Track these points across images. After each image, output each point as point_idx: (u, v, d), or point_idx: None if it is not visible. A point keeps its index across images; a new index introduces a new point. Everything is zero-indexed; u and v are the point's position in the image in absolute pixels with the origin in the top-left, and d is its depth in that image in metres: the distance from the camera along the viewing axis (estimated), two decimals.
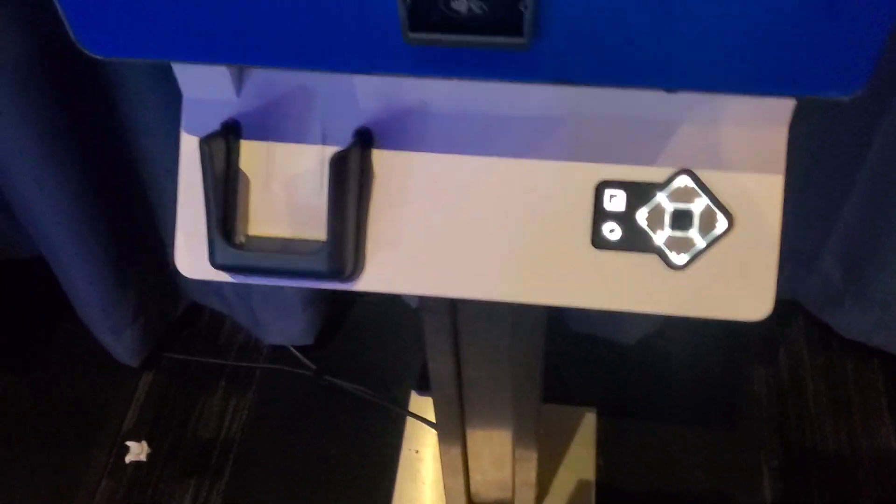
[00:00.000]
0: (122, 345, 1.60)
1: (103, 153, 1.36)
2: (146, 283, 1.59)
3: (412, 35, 0.57)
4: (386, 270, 0.75)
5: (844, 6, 0.52)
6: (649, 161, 0.72)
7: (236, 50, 0.61)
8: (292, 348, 1.65)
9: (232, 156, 0.75)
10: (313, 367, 1.65)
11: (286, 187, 0.76)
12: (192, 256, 0.76)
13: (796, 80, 0.57)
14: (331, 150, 0.75)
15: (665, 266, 0.73)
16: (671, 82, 0.59)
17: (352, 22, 0.58)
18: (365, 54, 0.60)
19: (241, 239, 0.74)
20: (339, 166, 0.69)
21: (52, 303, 1.68)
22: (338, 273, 0.72)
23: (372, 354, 1.68)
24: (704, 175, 0.72)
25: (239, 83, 0.75)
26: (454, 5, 0.54)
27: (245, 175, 0.76)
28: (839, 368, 1.63)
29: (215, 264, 0.72)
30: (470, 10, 0.54)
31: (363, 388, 1.61)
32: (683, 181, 0.72)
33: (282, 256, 0.72)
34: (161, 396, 1.66)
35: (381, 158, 0.75)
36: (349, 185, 0.71)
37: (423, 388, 1.56)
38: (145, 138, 1.34)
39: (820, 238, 1.53)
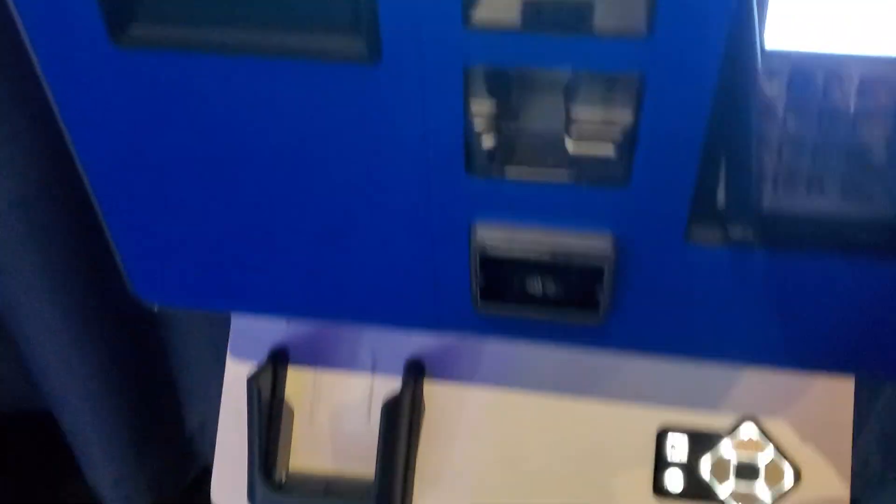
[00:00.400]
0: None
1: (127, 323, 1.34)
2: (163, 449, 1.54)
3: (482, 305, 0.55)
4: None
5: None
6: (713, 407, 0.69)
7: (300, 307, 0.60)
8: None
9: (278, 385, 0.72)
10: None
11: (332, 418, 0.73)
12: (230, 489, 0.73)
13: (863, 365, 0.55)
14: (380, 381, 0.73)
15: None
16: (741, 359, 0.57)
17: (420, 289, 0.56)
18: (431, 317, 0.58)
19: (282, 476, 0.71)
20: (391, 411, 0.67)
21: (59, 460, 1.62)
22: None
23: None
24: (770, 424, 0.69)
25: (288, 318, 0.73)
26: (529, 286, 0.53)
27: (289, 405, 0.73)
28: None
29: None
30: (544, 291, 0.53)
31: None
32: (749, 430, 0.69)
33: (326, 501, 0.68)
34: None
35: (433, 391, 0.72)
36: (400, 428, 0.68)
37: None
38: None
39: (858, 420, 1.49)
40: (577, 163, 0.48)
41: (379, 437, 0.67)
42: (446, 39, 0.43)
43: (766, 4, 0.43)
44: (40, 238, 1.11)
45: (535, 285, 0.53)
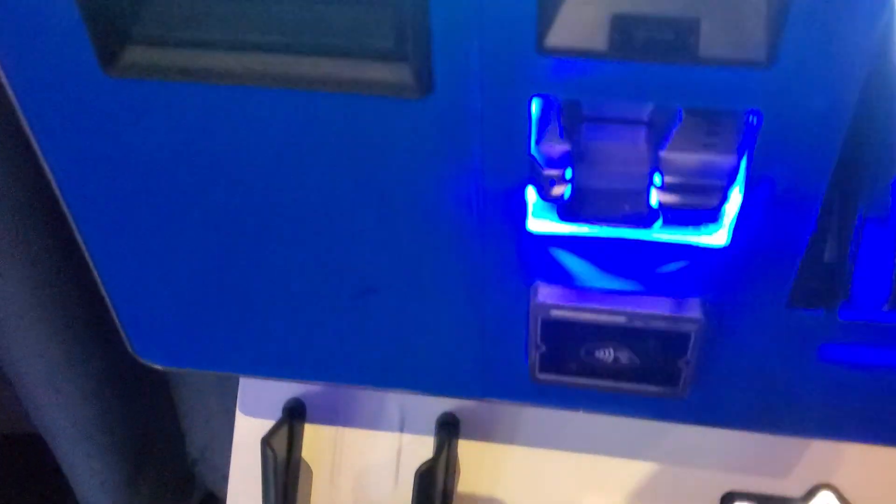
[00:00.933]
0: None
1: (122, 348, 1.26)
2: (161, 480, 1.46)
3: (541, 375, 0.47)
4: None
5: None
6: (784, 472, 0.62)
7: (321, 373, 0.52)
8: None
9: (294, 443, 0.64)
10: None
11: (355, 481, 0.65)
12: None
13: None
14: (409, 439, 0.65)
15: None
16: (834, 436, 0.49)
17: (466, 356, 0.48)
18: (477, 386, 0.50)
19: None
20: (426, 478, 0.59)
21: (52, 485, 1.54)
22: None
23: None
24: (850, 493, 0.61)
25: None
26: (598, 355, 0.45)
27: (308, 465, 0.65)
28: None
29: None
30: (616, 360, 0.45)
31: None
32: (826, 499, 0.61)
33: None
34: None
35: (468, 450, 0.64)
36: (435, 494, 0.60)
37: None
38: None
39: None
40: (661, 215, 0.40)
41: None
42: (513, 67, 0.35)
43: None
44: (26, 253, 1.02)
45: (606, 354, 0.45)
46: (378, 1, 0.36)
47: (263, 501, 0.61)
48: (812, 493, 0.61)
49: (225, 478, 1.52)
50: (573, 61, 0.35)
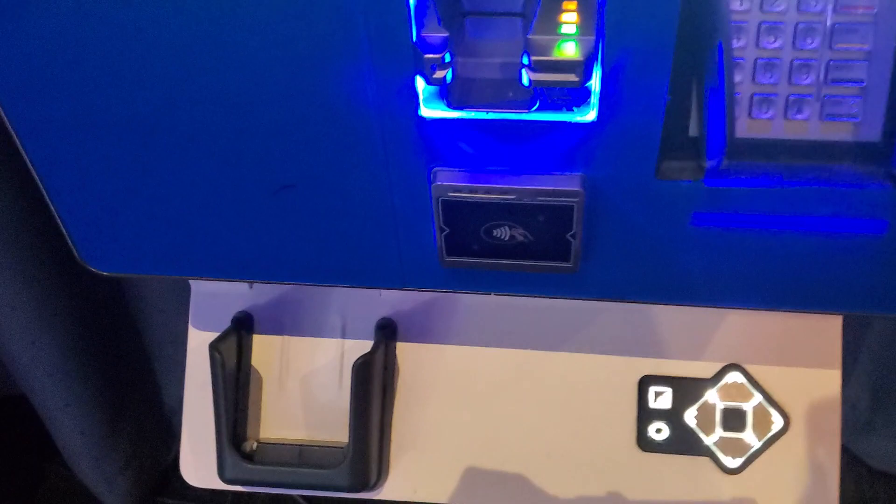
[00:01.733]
0: (115, 493, 1.50)
1: (96, 298, 1.30)
2: (140, 429, 1.51)
3: (448, 259, 0.52)
4: (411, 478, 0.69)
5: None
6: (696, 355, 0.67)
7: (253, 270, 0.56)
8: (297, 496, 1.56)
9: (244, 352, 0.69)
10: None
11: (302, 385, 0.70)
12: (199, 466, 0.70)
13: (848, 301, 0.53)
14: (351, 344, 0.70)
15: (718, 469, 0.67)
16: (721, 302, 0.54)
17: (383, 245, 0.53)
18: (396, 274, 0.55)
19: (251, 446, 0.68)
20: (362, 371, 0.64)
21: (36, 444, 1.59)
22: (361, 487, 0.65)
23: None
24: (756, 370, 0.66)
25: (249, 282, 0.70)
26: (496, 233, 0.50)
27: (258, 372, 0.70)
28: (871, 500, 1.55)
29: (225, 479, 0.66)
30: (512, 238, 0.50)
31: None
32: (734, 377, 0.66)
33: (299, 470, 0.65)
34: None
35: (406, 352, 0.69)
36: (373, 389, 0.66)
37: None
38: (136, 280, 1.29)
39: (846, 363, 1.47)
40: (538, 95, 0.45)
41: (350, 398, 0.64)
42: None
43: None
44: None
45: (503, 233, 0.50)
46: None
47: (214, 404, 0.66)
48: (721, 373, 0.66)
49: None
50: None
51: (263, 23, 0.43)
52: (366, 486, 0.66)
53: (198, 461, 0.70)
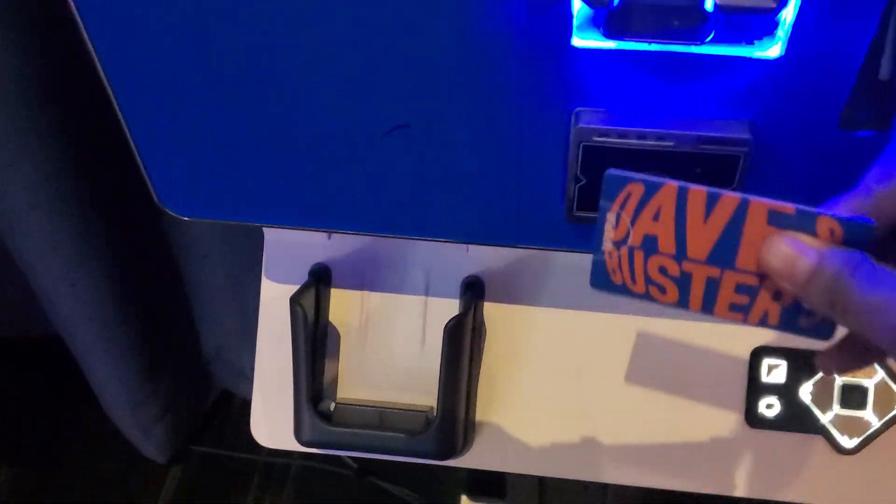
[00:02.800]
0: (151, 441, 1.48)
1: (138, 241, 1.26)
2: (177, 377, 1.48)
3: (578, 213, 0.46)
4: (497, 447, 0.64)
5: None
6: None
7: (344, 220, 0.51)
8: (344, 456, 1.53)
9: (322, 307, 0.64)
10: (354, 465, 1.53)
11: (381, 343, 0.65)
12: (272, 426, 0.65)
13: None
14: (435, 302, 0.65)
15: (832, 449, 0.61)
16: None
17: (500, 196, 0.47)
18: (510, 231, 0.49)
19: (330, 406, 0.63)
20: (454, 333, 0.59)
21: (71, 388, 1.56)
22: (448, 454, 0.61)
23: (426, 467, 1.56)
24: None
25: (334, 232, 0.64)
26: None
27: (335, 329, 0.65)
28: None
29: (303, 441, 0.61)
30: None
31: (408, 492, 1.49)
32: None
33: (382, 434, 0.61)
34: (190, 493, 1.54)
35: (494, 313, 0.64)
36: (463, 352, 0.60)
37: (473, 493, 1.43)
38: (181, 224, 1.24)
39: None
40: (712, 25, 0.38)
41: (441, 362, 0.59)
42: None
43: None
44: (37, 144, 1.00)
45: None
46: None
47: (294, 361, 0.61)
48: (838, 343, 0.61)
49: (240, 375, 1.53)
50: None
51: None
52: (452, 454, 0.61)
53: (270, 421, 0.65)
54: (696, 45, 0.39)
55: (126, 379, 1.35)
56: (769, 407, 0.62)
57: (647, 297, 0.39)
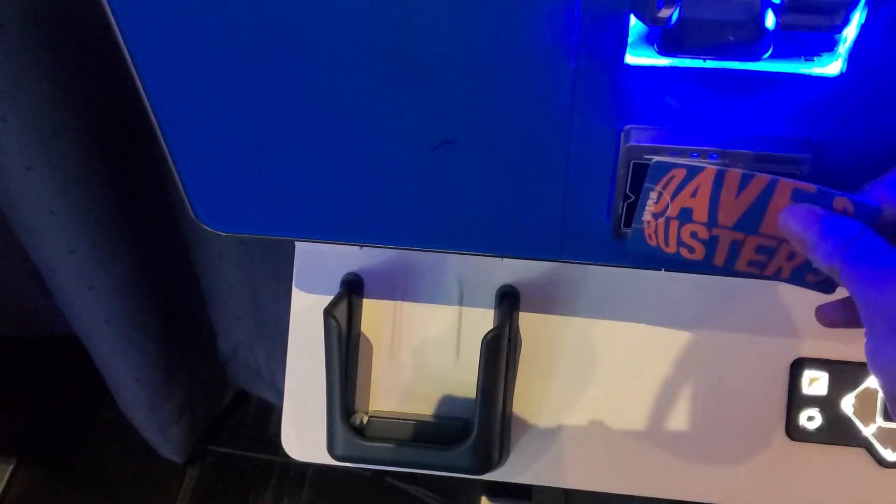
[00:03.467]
0: (168, 440, 1.48)
1: (155, 242, 1.25)
2: (194, 377, 1.48)
3: (625, 230, 0.45)
4: (533, 460, 0.63)
5: None
6: (857, 336, 0.60)
7: (385, 235, 0.50)
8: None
9: (354, 318, 0.63)
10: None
11: (414, 354, 0.64)
12: (303, 438, 0.65)
13: None
14: (469, 312, 0.64)
15: (874, 463, 0.61)
16: None
17: (545, 210, 0.46)
18: (554, 246, 0.48)
19: (362, 419, 0.63)
20: (493, 345, 0.58)
21: (89, 387, 1.57)
22: (485, 468, 0.60)
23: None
24: None
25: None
26: None
27: (368, 340, 0.64)
28: None
29: (336, 456, 0.61)
30: None
31: (427, 492, 1.49)
32: None
33: (417, 449, 0.60)
34: (207, 493, 1.53)
35: (529, 323, 0.63)
36: (501, 364, 0.60)
37: (494, 495, 1.43)
38: (196, 225, 1.23)
39: None
40: (770, 41, 0.37)
41: (479, 374, 0.58)
42: None
43: None
44: (58, 143, 1.00)
45: None
46: None
47: (327, 373, 0.60)
48: None
49: (256, 374, 1.53)
50: None
51: None
52: (489, 468, 0.60)
53: (301, 434, 0.65)
54: (754, 61, 0.38)
55: (144, 379, 1.34)
56: (810, 419, 0.61)
57: (677, 255, 0.44)
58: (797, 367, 0.61)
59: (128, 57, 0.42)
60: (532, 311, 0.63)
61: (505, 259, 0.63)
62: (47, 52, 0.88)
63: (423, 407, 0.64)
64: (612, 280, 0.62)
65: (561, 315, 0.63)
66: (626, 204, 0.44)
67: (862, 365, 0.60)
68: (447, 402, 0.64)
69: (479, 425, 0.59)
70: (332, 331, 0.59)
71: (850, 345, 0.60)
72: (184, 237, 1.32)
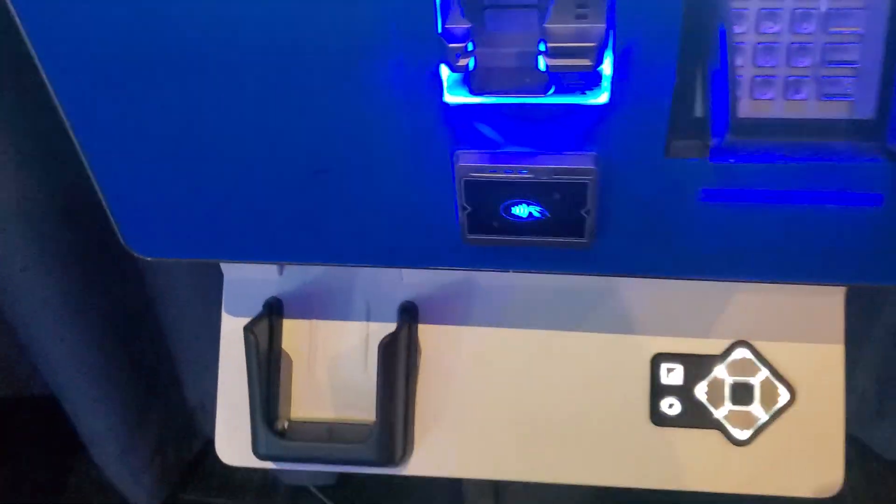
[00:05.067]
0: (140, 488, 1.54)
1: (122, 296, 1.34)
2: (165, 423, 1.55)
3: (470, 237, 0.56)
4: (435, 453, 0.72)
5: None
6: (705, 333, 0.70)
7: (287, 252, 0.60)
8: (313, 488, 1.59)
9: (275, 336, 0.73)
10: None
11: (330, 366, 0.74)
12: (233, 445, 0.74)
13: (847, 273, 0.56)
14: (375, 327, 0.73)
15: (727, 441, 0.70)
16: (723, 275, 0.58)
17: (410, 225, 0.57)
18: (422, 253, 0.59)
19: (283, 425, 0.72)
20: (388, 350, 0.68)
21: (62, 443, 1.63)
22: (388, 460, 0.69)
23: (400, 498, 1.61)
24: (762, 346, 0.70)
25: (282, 263, 0.74)
26: (515, 211, 0.53)
27: (288, 355, 0.74)
28: (882, 492, 1.56)
29: (259, 455, 0.70)
30: (530, 215, 0.53)
31: None
32: (741, 353, 0.69)
33: (329, 445, 0.69)
34: None
35: (428, 333, 0.73)
36: (398, 368, 0.69)
37: None
38: (161, 276, 1.33)
39: (852, 352, 1.49)
40: (553, 80, 0.48)
41: (377, 376, 0.67)
42: None
43: None
44: (30, 207, 1.10)
45: (521, 210, 0.53)
46: None
47: (249, 385, 0.70)
48: (730, 350, 0.70)
49: None
50: None
51: (300, 19, 0.47)
52: (392, 461, 0.69)
53: (232, 441, 0.74)
54: (542, 97, 0.49)
55: (115, 428, 1.42)
56: (671, 406, 0.70)
57: None
58: (656, 360, 0.70)
59: (52, 92, 0.52)
60: (431, 323, 0.73)
61: (404, 278, 0.73)
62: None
63: (339, 412, 0.73)
64: (495, 291, 0.72)
65: (456, 325, 0.73)
66: (465, 214, 0.54)
67: (711, 357, 0.70)
68: (359, 406, 0.73)
69: (379, 422, 0.68)
70: (252, 345, 0.69)
71: (701, 340, 0.70)
72: (150, 289, 1.41)
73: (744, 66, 0.49)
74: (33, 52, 0.50)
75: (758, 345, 0.69)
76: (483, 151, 0.52)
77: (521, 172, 0.51)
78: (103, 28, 0.49)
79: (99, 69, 0.51)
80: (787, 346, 0.69)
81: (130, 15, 0.48)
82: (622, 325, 0.71)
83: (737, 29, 0.48)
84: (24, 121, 1.00)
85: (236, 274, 0.74)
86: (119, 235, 0.59)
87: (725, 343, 0.70)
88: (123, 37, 0.49)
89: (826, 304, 0.68)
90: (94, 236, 1.22)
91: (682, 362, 0.70)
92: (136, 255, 0.61)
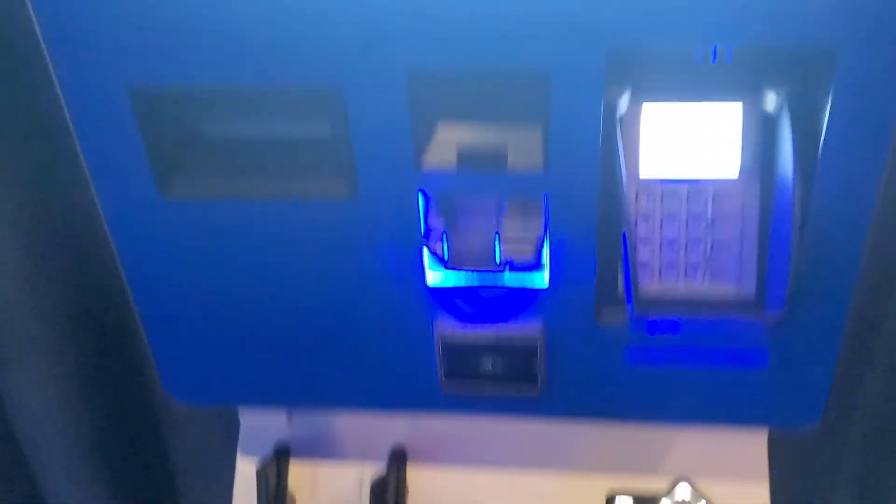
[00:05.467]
0: None
1: (124, 419, 1.40)
2: None
3: (447, 385, 0.69)
4: None
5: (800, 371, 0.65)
6: (653, 470, 0.82)
7: (297, 399, 0.73)
8: None
9: (282, 476, 0.84)
10: None
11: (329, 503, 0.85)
12: None
13: (764, 417, 0.69)
14: (370, 468, 0.85)
15: None
16: (659, 418, 0.71)
17: (397, 377, 0.71)
18: (406, 399, 0.72)
19: None
20: (377, 489, 0.79)
21: None
22: None
23: None
24: (701, 483, 0.81)
25: (290, 411, 0.86)
26: (482, 365, 0.68)
27: (292, 495, 0.85)
28: None
29: None
30: (493, 368, 0.68)
31: None
32: (684, 491, 0.81)
33: None
34: None
35: (413, 474, 0.84)
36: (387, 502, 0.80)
37: None
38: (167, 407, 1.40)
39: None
40: (506, 267, 0.64)
41: None
42: (404, 177, 0.60)
43: (637, 148, 0.61)
44: (36, 346, 1.18)
45: (486, 366, 0.67)
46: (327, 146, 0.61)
47: None
48: (672, 486, 0.81)
49: None
50: (437, 173, 0.60)
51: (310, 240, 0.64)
52: None
53: None
54: (498, 279, 0.64)
55: None
56: None
57: None
58: (611, 499, 0.81)
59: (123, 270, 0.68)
60: (419, 465, 0.85)
61: (395, 426, 0.85)
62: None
63: None
64: (472, 439, 0.84)
65: (442, 466, 0.85)
66: (443, 369, 0.68)
67: (658, 496, 0.81)
68: None
69: None
70: (263, 485, 0.80)
71: (649, 476, 0.82)
72: (156, 435, 1.49)
73: (652, 256, 0.65)
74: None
75: (697, 481, 0.81)
76: (456, 320, 0.67)
77: (485, 336, 0.66)
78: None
79: (163, 256, 0.67)
80: (720, 482, 0.81)
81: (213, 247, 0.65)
82: (581, 464, 0.82)
83: (643, 228, 0.64)
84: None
85: (250, 421, 0.87)
86: (161, 381, 0.73)
87: (670, 479, 0.81)
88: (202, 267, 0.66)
89: (751, 442, 0.80)
90: (103, 365, 1.29)
91: (633, 500, 0.81)
92: (173, 401, 0.74)
